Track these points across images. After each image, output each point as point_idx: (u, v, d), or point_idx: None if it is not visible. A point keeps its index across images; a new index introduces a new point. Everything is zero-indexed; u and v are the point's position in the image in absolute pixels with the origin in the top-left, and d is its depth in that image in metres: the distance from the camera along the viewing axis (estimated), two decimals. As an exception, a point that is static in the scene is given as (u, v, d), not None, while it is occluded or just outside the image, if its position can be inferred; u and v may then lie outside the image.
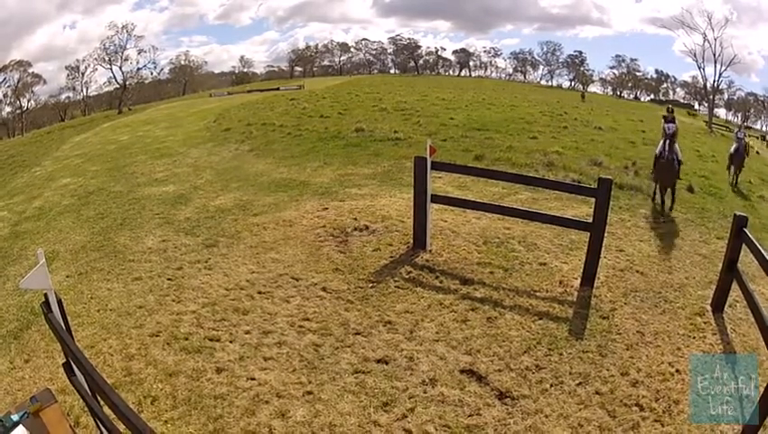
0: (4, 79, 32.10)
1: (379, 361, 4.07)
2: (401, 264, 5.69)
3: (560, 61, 39.60)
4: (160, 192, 9.35)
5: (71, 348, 2.65)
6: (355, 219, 7.06)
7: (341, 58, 44.03)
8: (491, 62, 42.44)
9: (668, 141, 7.89)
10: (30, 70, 33.15)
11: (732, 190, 11.27)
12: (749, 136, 14.59)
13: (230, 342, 4.35)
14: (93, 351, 4.24)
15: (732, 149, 12.44)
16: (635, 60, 36.69)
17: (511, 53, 41.68)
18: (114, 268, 5.95)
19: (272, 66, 43.53)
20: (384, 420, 3.46)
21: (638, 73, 36.90)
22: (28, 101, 33.15)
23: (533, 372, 3.91)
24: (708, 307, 4.83)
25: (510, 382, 3.81)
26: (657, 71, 36.19)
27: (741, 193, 11.19)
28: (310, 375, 3.91)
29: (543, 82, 39.99)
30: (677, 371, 3.91)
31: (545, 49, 39.84)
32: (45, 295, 2.74)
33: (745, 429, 3.08)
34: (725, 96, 30.75)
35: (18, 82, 32.58)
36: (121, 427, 2.56)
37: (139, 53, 36.46)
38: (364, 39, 43.48)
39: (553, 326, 4.49)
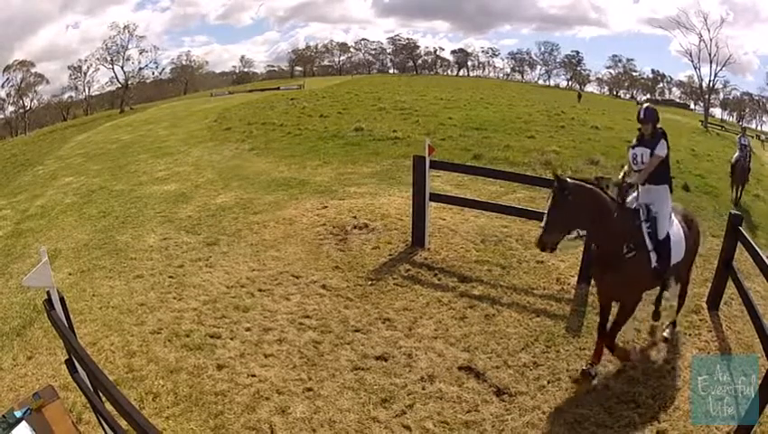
0: (8, 78, 32.10)
1: (378, 358, 4.11)
2: (400, 262, 5.73)
3: (558, 61, 39.50)
4: (161, 190, 9.39)
5: (74, 345, 2.69)
6: (354, 217, 7.10)
7: (341, 58, 43.91)
8: (489, 62, 42.27)
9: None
10: (33, 70, 33.12)
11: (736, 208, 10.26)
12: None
13: (231, 339, 4.39)
14: (95, 348, 4.28)
15: (733, 159, 10.69)
16: (631, 60, 36.59)
17: (509, 53, 41.47)
18: (116, 266, 5.99)
19: (272, 66, 43.41)
20: (383, 417, 3.51)
21: (634, 73, 36.82)
22: (31, 101, 33.15)
23: (531, 369, 3.94)
24: (704, 305, 4.86)
25: (507, 378, 3.85)
26: (653, 71, 36.09)
27: (743, 209, 10.13)
28: (310, 372, 3.95)
29: (540, 82, 39.91)
30: (673, 368, 3.95)
31: (542, 49, 39.70)
32: (48, 292, 2.78)
33: (739, 428, 3.12)
34: (721, 95, 30.72)
35: (21, 82, 32.57)
36: (123, 423, 2.60)
37: (141, 53, 36.36)
38: (363, 39, 43.34)
39: (550, 324, 4.53)
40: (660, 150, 3.82)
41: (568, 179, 3.52)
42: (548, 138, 14.31)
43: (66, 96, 35.01)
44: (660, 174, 3.87)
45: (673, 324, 4.40)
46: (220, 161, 11.95)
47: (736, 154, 10.63)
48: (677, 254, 3.85)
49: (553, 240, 3.50)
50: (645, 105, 3.94)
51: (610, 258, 3.71)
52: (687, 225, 4.05)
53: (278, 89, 32.61)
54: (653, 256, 3.72)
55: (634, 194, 3.89)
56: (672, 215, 3.91)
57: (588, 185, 3.62)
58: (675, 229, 3.88)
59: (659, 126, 3.91)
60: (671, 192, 3.92)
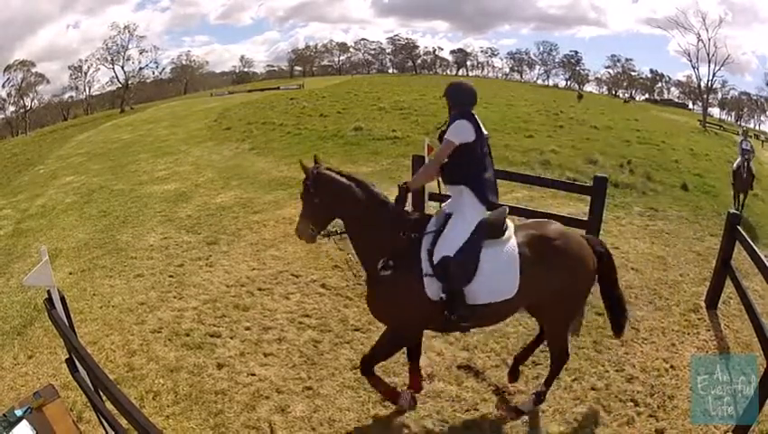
0: (8, 78, 32.22)
1: (377, 357, 4.12)
2: (400, 262, 5.72)
3: (556, 60, 39.56)
4: (162, 190, 9.41)
5: (74, 344, 2.70)
6: (354, 217, 7.10)
7: (341, 58, 44.00)
8: (488, 62, 42.32)
9: None
10: (33, 70, 33.23)
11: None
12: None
13: (231, 338, 4.40)
14: (95, 347, 4.29)
15: (735, 165, 9.69)
16: (630, 59, 36.68)
17: (508, 53, 41.55)
18: (116, 265, 6.00)
19: (272, 66, 43.52)
20: (383, 415, 3.51)
21: (633, 73, 36.90)
22: (31, 101, 33.25)
23: (529, 368, 3.94)
24: (702, 304, 4.87)
25: (506, 377, 3.85)
26: (652, 71, 36.19)
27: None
28: (309, 371, 3.96)
29: (539, 82, 39.94)
30: (671, 367, 3.95)
31: (541, 49, 39.77)
32: (48, 291, 2.79)
33: (738, 427, 3.14)
34: (719, 95, 30.85)
35: (22, 82, 32.68)
36: (123, 422, 2.62)
37: (141, 53, 36.46)
38: (363, 39, 43.42)
39: (549, 323, 4.53)
40: (451, 134, 2.86)
41: (313, 168, 3.00)
42: (547, 138, 14.34)
43: (66, 96, 35.15)
44: (454, 168, 2.90)
45: (537, 395, 3.41)
46: (220, 160, 11.96)
47: (738, 159, 9.71)
48: (496, 290, 2.88)
49: (305, 231, 3.07)
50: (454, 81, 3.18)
51: (368, 272, 3.03)
52: (538, 251, 2.95)
53: (278, 88, 32.62)
54: (431, 283, 2.86)
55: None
56: (510, 233, 2.96)
57: (336, 177, 3.04)
58: (505, 253, 2.88)
59: (471, 109, 3.07)
60: (483, 200, 2.90)
